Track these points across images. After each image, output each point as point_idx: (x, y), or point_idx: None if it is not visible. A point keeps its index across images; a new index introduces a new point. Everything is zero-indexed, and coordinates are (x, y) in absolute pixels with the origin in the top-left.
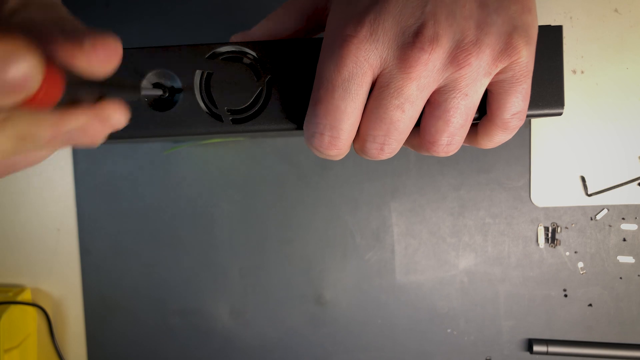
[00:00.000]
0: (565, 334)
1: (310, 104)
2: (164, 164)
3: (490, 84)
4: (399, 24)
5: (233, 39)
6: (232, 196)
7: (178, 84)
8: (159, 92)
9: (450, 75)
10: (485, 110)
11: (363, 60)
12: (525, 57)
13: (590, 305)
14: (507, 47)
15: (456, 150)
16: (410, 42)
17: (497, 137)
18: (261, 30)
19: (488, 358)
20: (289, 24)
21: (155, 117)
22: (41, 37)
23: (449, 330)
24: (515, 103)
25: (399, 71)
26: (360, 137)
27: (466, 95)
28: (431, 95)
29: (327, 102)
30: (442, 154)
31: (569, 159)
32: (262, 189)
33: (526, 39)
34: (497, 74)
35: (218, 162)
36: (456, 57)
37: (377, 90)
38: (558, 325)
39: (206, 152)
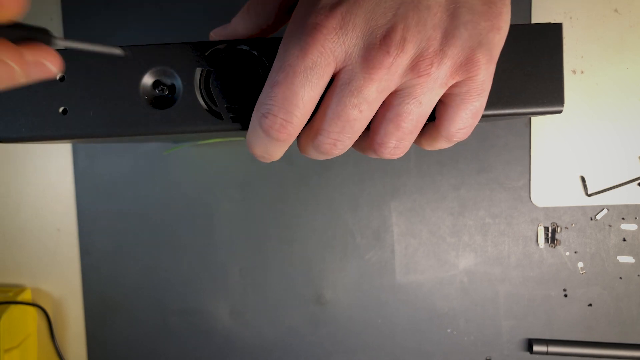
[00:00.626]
0: (565, 334)
1: (266, 84)
2: (164, 164)
3: (443, 95)
4: (369, 22)
5: (213, 34)
6: (232, 196)
7: (178, 81)
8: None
9: (408, 81)
10: (433, 117)
11: (329, 52)
12: (482, 76)
13: (590, 305)
14: (467, 62)
15: (402, 155)
16: (377, 44)
17: (438, 145)
18: (240, 22)
19: (488, 358)
20: (264, 16)
21: (154, 115)
22: None
23: (449, 330)
24: (464, 119)
25: (361, 70)
26: (313, 130)
27: (420, 103)
28: (385, 97)
29: (285, 87)
30: (387, 157)
31: (569, 159)
32: (262, 189)
33: (488, 58)
34: (452, 86)
35: (218, 162)
36: (417, 64)
37: (338, 87)
38: (558, 325)
39: (206, 152)
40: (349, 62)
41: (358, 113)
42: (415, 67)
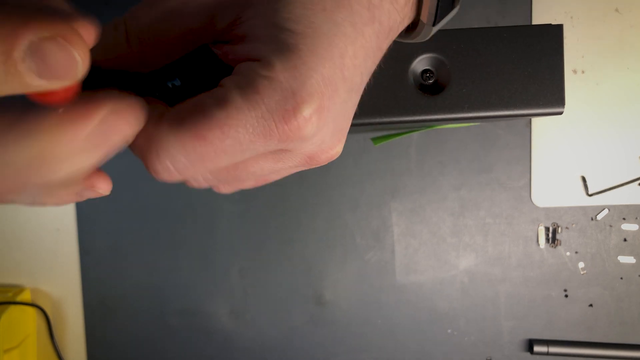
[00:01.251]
0: (565, 335)
1: (186, 127)
2: None
3: None
4: (334, 121)
5: None
6: (232, 196)
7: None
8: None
9: None
10: None
11: (288, 144)
12: None
13: (590, 305)
14: None
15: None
16: (329, 147)
17: None
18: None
19: (488, 358)
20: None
21: None
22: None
23: (449, 331)
24: None
25: (297, 163)
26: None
27: None
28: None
29: (212, 152)
30: None
31: (570, 159)
32: (262, 189)
33: None
34: None
35: None
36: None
37: (262, 158)
38: (558, 326)
39: None
40: (299, 149)
41: (253, 178)
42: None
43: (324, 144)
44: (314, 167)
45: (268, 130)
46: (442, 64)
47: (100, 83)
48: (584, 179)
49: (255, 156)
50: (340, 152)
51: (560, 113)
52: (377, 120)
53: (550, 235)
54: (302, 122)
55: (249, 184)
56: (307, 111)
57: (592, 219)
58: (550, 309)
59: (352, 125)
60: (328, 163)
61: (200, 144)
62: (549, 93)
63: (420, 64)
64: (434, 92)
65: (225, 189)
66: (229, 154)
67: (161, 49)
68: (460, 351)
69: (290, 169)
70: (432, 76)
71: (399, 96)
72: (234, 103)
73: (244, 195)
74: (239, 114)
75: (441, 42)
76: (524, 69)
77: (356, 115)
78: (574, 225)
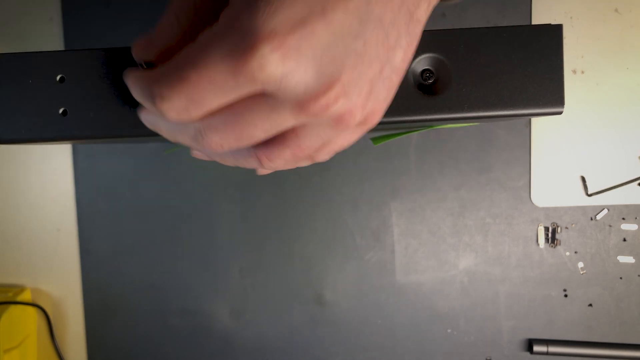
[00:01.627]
0: (565, 334)
1: (172, 67)
2: (165, 164)
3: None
4: (317, 66)
5: (137, 47)
6: (232, 196)
7: None
8: None
9: (325, 125)
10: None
11: (260, 82)
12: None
13: (590, 305)
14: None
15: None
16: (319, 93)
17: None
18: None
19: (488, 358)
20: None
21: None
22: None
23: (449, 331)
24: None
25: (291, 108)
26: (207, 123)
27: (323, 140)
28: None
29: (194, 89)
30: (264, 169)
31: (569, 159)
32: (262, 189)
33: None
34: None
35: (218, 162)
36: (342, 117)
37: (255, 105)
38: (558, 326)
39: None
40: (280, 93)
41: (262, 135)
42: (339, 119)
43: (310, 88)
44: (315, 119)
45: (232, 70)
46: (442, 63)
47: None
48: (583, 179)
49: (245, 102)
50: (348, 104)
51: (560, 113)
52: None
53: (549, 235)
54: (262, 61)
55: (257, 135)
56: (265, 50)
57: (591, 219)
58: (550, 309)
59: None
60: (329, 163)
61: (185, 84)
62: (548, 93)
63: (419, 63)
64: (433, 92)
65: (247, 160)
66: (213, 91)
67: (200, 15)
68: (460, 351)
69: (284, 121)
70: (431, 76)
71: (398, 96)
72: (203, 44)
73: (244, 195)
74: (207, 54)
75: (441, 41)
76: (523, 69)
77: None
78: (573, 225)
